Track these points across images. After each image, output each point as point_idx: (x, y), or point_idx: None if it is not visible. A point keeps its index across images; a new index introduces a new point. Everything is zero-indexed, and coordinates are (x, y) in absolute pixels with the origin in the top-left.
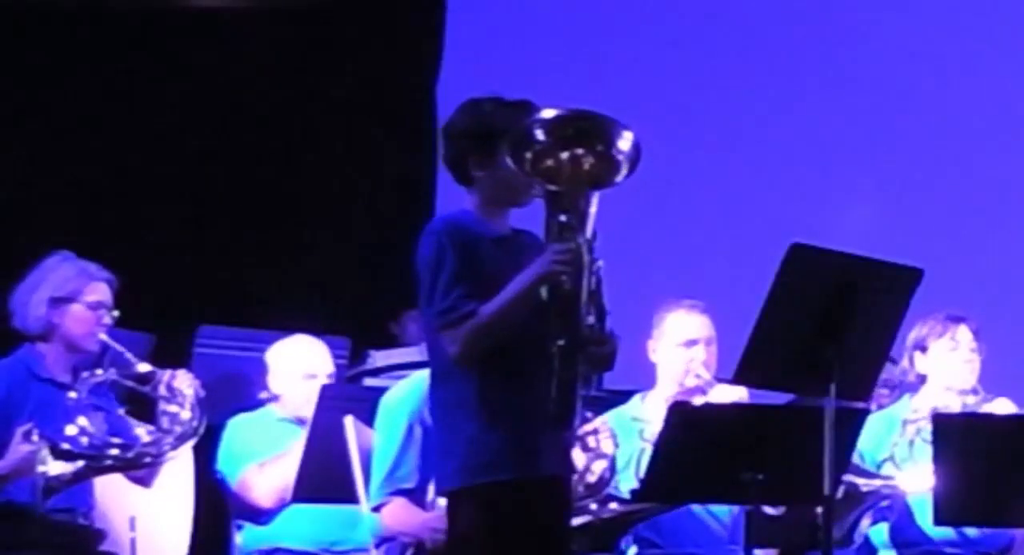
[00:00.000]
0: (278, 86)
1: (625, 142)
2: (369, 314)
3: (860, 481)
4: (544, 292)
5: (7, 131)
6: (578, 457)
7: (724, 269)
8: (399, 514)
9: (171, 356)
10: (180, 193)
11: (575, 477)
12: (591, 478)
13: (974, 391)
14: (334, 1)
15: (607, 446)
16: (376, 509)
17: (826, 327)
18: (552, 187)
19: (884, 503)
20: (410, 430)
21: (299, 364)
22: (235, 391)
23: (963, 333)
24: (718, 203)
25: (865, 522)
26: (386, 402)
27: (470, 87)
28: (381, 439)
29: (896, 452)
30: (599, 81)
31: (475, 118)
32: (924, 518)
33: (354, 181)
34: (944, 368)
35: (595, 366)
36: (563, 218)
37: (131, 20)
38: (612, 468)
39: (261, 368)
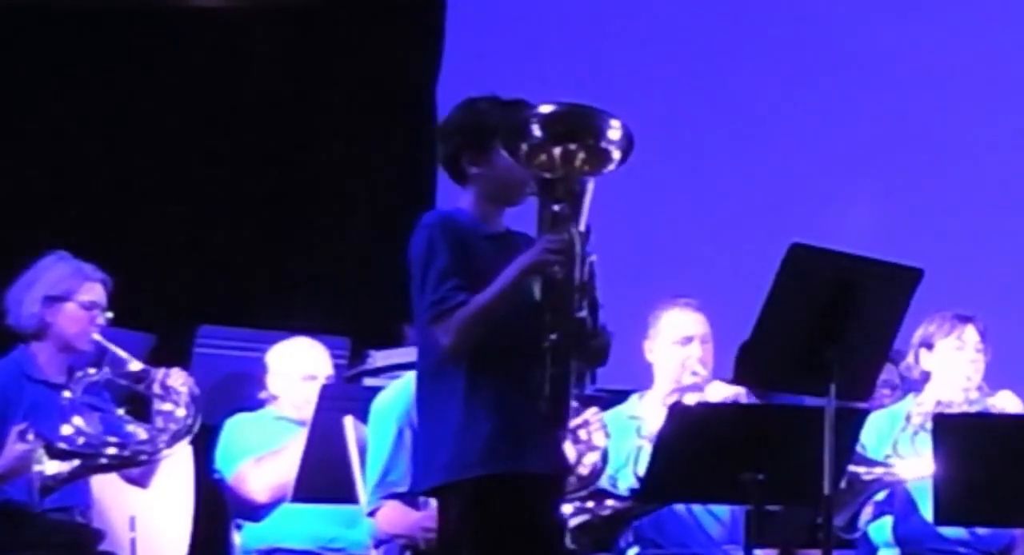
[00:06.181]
0: (278, 86)
1: (615, 131)
2: (369, 314)
3: (861, 470)
4: (537, 290)
5: (7, 131)
6: (569, 450)
7: (723, 269)
8: (392, 516)
9: (171, 356)
10: (180, 193)
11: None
12: (583, 471)
13: (978, 389)
14: (334, 1)
15: (598, 438)
16: (371, 514)
17: (826, 327)
18: (546, 175)
19: (884, 493)
20: (400, 434)
21: (298, 365)
22: (235, 391)
23: (970, 333)
24: (718, 203)
25: (867, 511)
26: (376, 406)
27: (470, 87)
28: (372, 444)
29: (899, 443)
30: (599, 80)
31: (470, 115)
32: (926, 508)
33: (354, 181)
34: (949, 367)
35: (588, 360)
36: (556, 208)
37: (131, 20)
38: (604, 459)
39: (261, 368)
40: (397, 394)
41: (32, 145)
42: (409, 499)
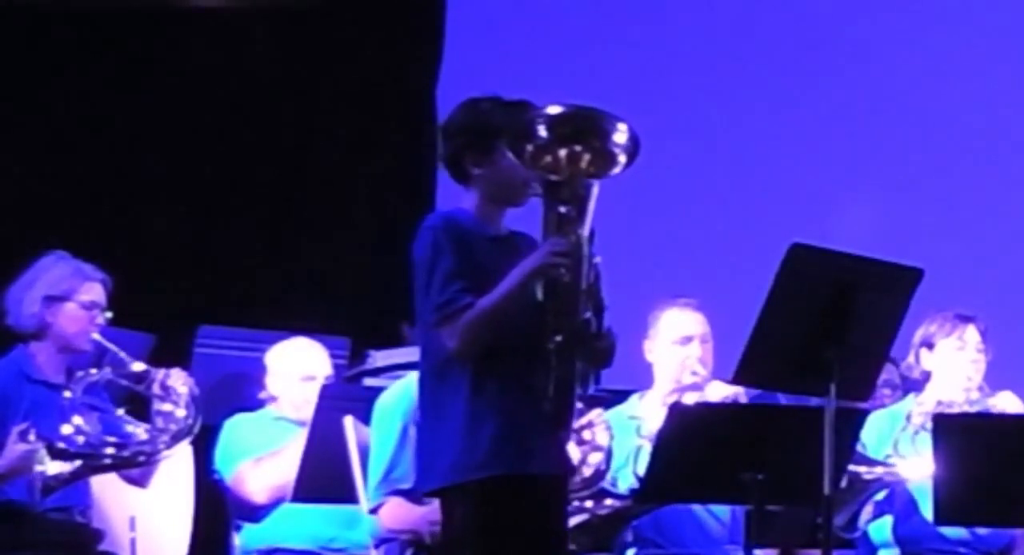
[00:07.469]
0: (278, 86)
1: (621, 135)
2: (369, 314)
3: (862, 469)
4: (540, 290)
5: (7, 131)
6: (573, 450)
7: (723, 269)
8: (396, 512)
9: (171, 356)
10: (180, 193)
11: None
12: (587, 471)
13: (979, 389)
14: (334, 1)
15: (602, 438)
16: (374, 511)
17: (826, 327)
18: (552, 177)
19: (884, 492)
20: (404, 431)
21: (297, 366)
22: (235, 391)
23: (971, 333)
24: (718, 203)
25: (867, 510)
26: (380, 404)
27: (470, 87)
28: (376, 441)
29: (899, 443)
30: (599, 80)
31: (473, 115)
32: (926, 508)
33: (354, 181)
34: (950, 367)
35: (592, 362)
36: (562, 209)
37: (131, 20)
38: (608, 460)
39: (261, 368)
40: (401, 392)
41: (32, 145)
42: (412, 496)
